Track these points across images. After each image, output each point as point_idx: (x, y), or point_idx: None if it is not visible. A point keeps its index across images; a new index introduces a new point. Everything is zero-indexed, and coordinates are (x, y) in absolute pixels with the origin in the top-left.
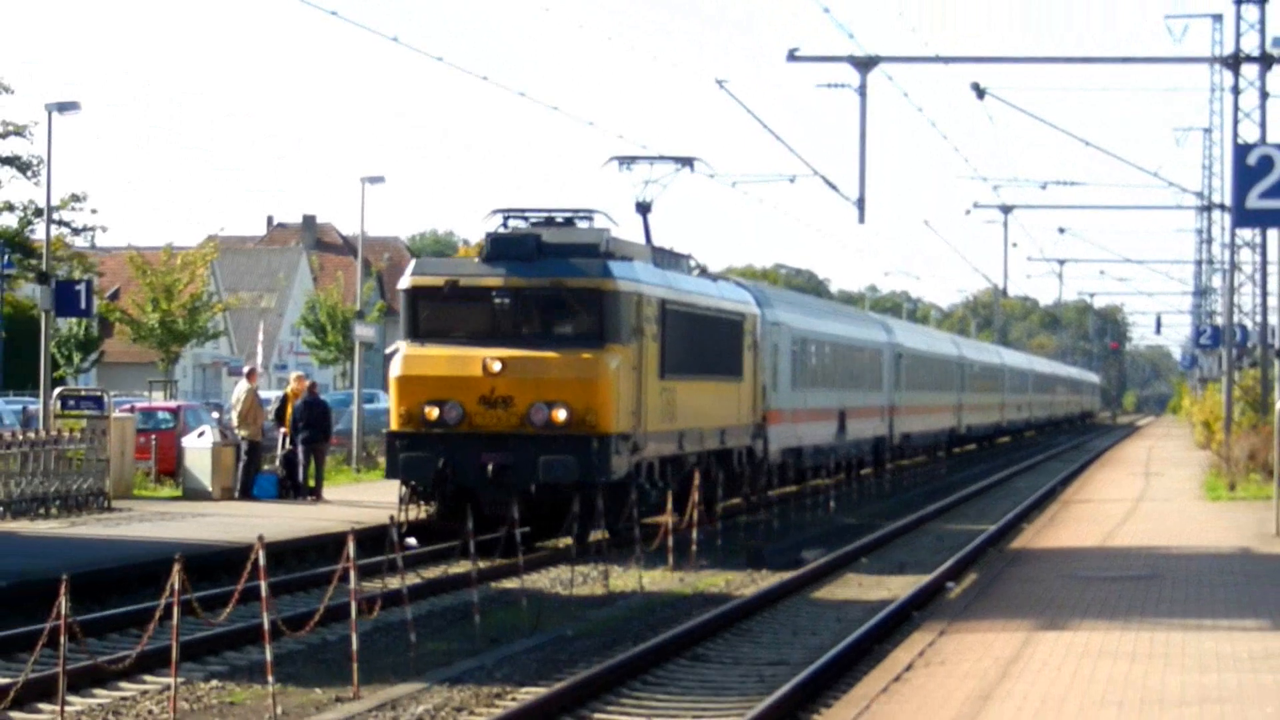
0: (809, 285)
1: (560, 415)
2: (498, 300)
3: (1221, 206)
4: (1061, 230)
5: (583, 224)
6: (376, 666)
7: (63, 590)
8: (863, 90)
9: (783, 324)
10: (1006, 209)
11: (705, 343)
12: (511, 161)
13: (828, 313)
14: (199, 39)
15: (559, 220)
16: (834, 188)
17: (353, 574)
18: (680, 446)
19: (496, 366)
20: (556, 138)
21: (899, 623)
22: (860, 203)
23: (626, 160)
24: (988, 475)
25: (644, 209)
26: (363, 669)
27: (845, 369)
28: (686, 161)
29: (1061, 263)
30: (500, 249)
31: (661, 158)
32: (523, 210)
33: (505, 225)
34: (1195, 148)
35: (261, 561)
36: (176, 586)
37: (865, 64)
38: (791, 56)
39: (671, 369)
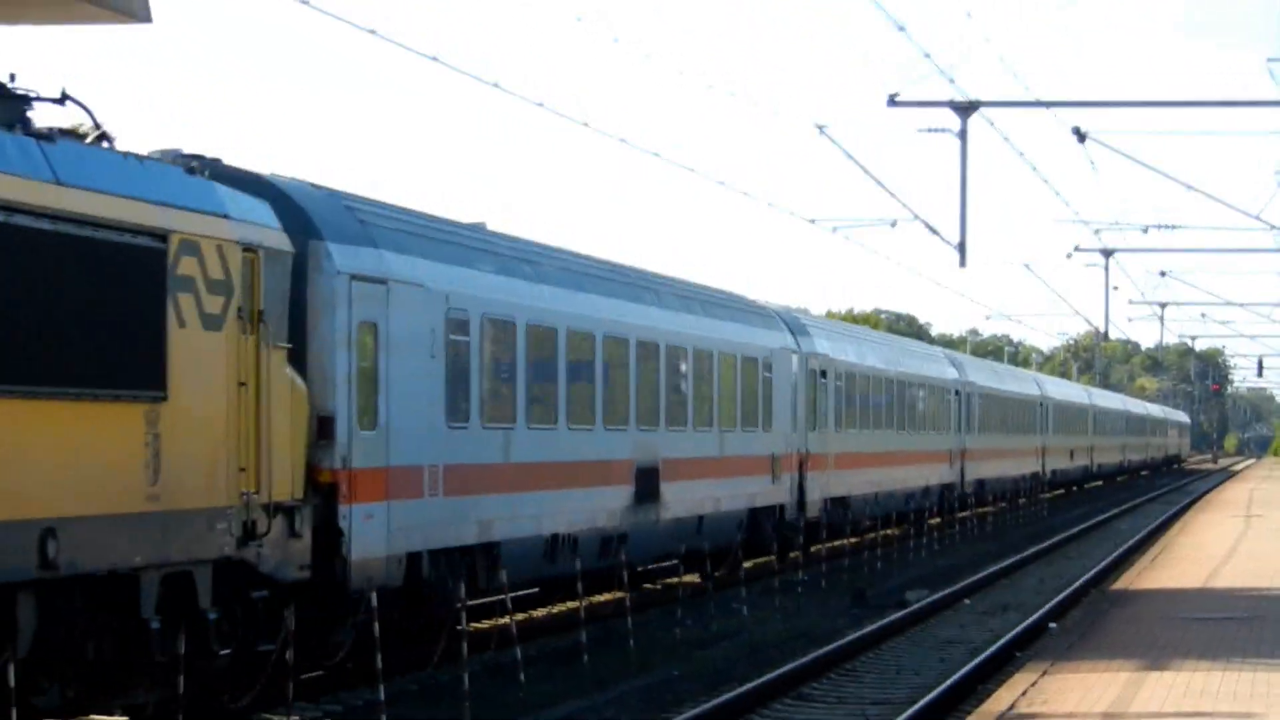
0: (909, 329)
1: None
2: None
3: None
4: (1163, 273)
5: None
6: (486, 707)
7: (182, 633)
8: (963, 135)
9: (399, 284)
10: (1108, 252)
11: None
12: (616, 206)
13: (607, 281)
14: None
15: None
16: (935, 232)
17: (464, 615)
18: None
19: None
20: (658, 184)
21: (1002, 663)
22: (961, 247)
23: None
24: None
25: None
26: (473, 709)
27: (668, 386)
28: None
29: (1163, 306)
30: None
31: None
32: None
33: None
34: None
35: (374, 603)
36: (292, 628)
37: (966, 109)
38: (892, 102)
39: None
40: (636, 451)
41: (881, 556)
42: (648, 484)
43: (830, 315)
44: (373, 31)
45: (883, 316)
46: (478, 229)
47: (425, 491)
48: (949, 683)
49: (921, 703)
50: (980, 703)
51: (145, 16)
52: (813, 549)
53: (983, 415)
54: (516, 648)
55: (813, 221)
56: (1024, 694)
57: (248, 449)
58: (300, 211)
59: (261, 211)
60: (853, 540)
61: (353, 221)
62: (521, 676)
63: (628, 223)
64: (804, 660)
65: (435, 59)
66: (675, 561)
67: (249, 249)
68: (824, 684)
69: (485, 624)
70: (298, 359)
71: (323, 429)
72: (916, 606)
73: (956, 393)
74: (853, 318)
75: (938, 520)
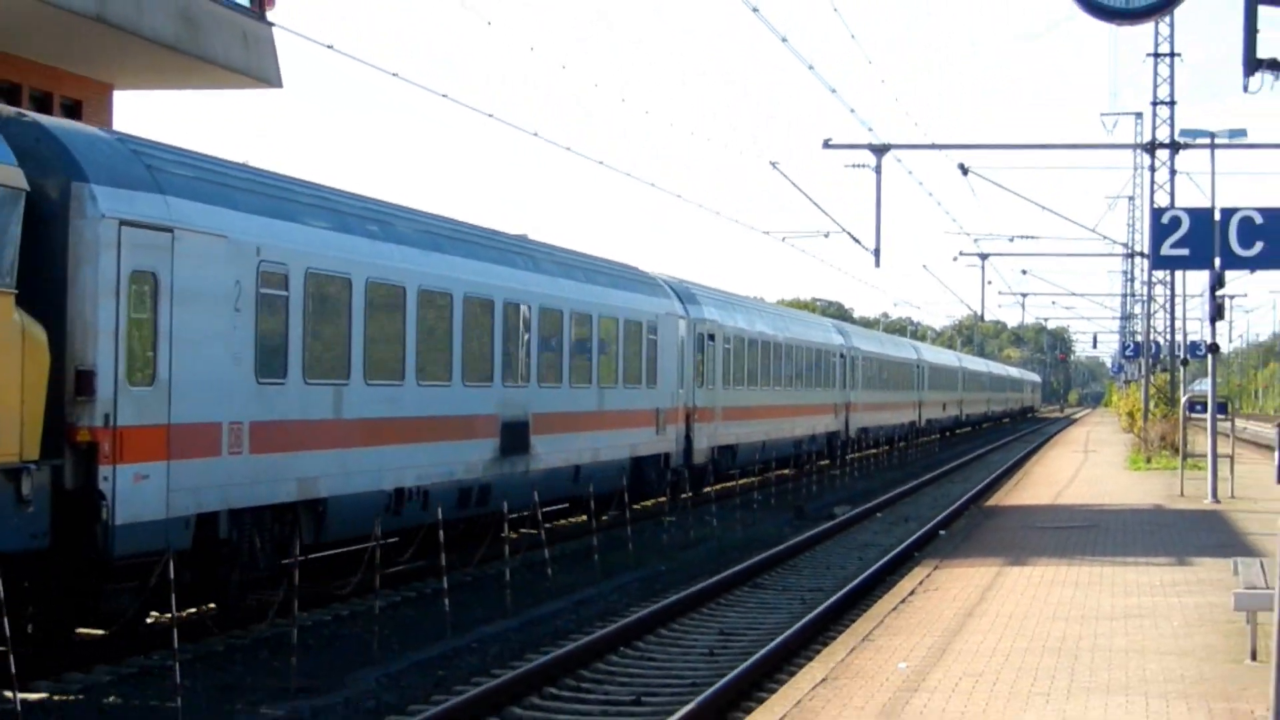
0: (838, 313)
1: None
2: None
3: (1141, 254)
4: (1024, 272)
5: None
6: (523, 593)
7: (296, 547)
8: (878, 169)
9: (190, 233)
10: (983, 256)
11: None
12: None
13: (473, 245)
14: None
15: None
16: (857, 241)
17: (505, 525)
18: None
19: None
20: (654, 206)
21: (905, 560)
22: (876, 252)
23: None
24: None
25: None
26: (514, 595)
27: (541, 345)
28: None
29: (1024, 295)
30: None
31: None
32: None
33: None
34: (1122, 211)
35: (440, 516)
36: (378, 533)
37: (880, 150)
38: (826, 145)
39: None
40: (502, 407)
41: (816, 482)
42: (516, 437)
43: (780, 302)
44: (445, 95)
45: (817, 303)
46: (521, 239)
47: (224, 449)
48: (866, 575)
49: (845, 589)
50: (889, 589)
51: (278, 82)
52: (705, 489)
53: (865, 374)
54: (545, 549)
55: (766, 233)
56: (921, 583)
57: None
58: (64, 151)
59: None
60: (744, 481)
61: (137, 166)
62: (549, 571)
63: (631, 231)
64: (757, 559)
65: (491, 115)
66: (565, 505)
67: None
68: (772, 576)
69: (522, 532)
70: (56, 309)
71: (80, 384)
72: (842, 518)
73: (842, 355)
74: (799, 304)
75: (826, 462)
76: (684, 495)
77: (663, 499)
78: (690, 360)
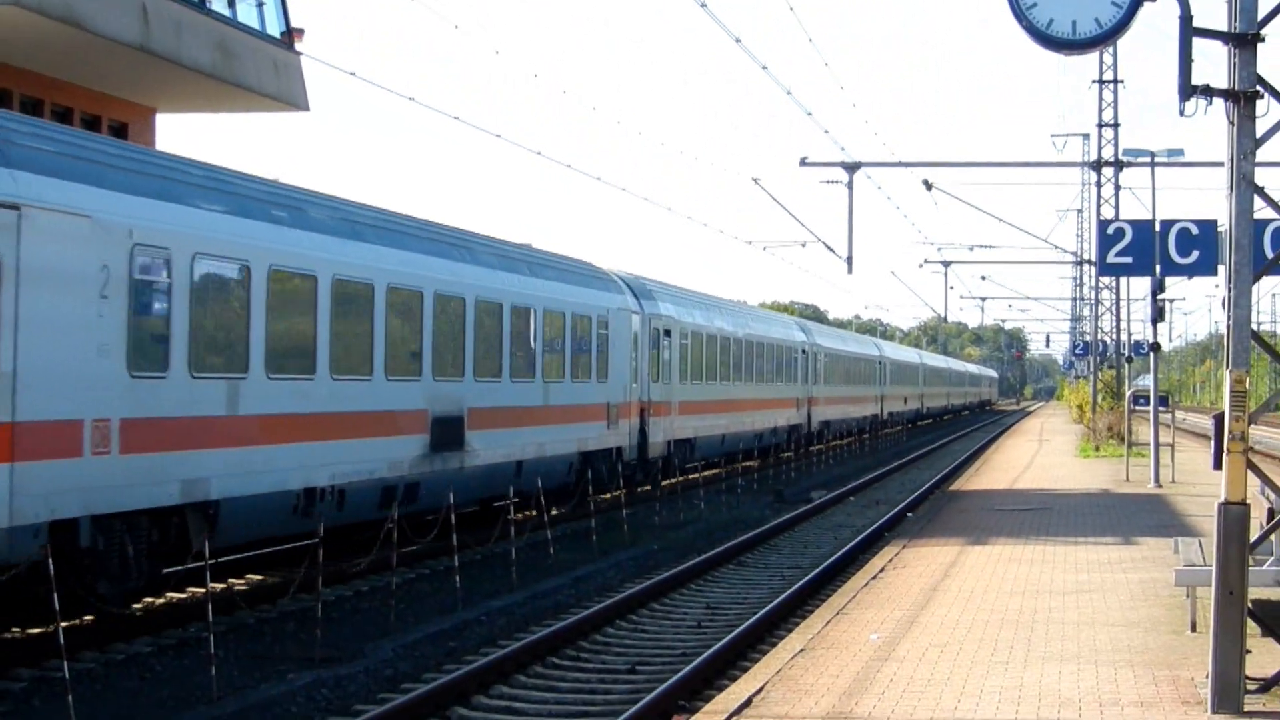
0: (814, 315)
1: None
2: None
3: (1089, 261)
4: (983, 278)
5: None
6: (528, 570)
7: (319, 535)
8: (850, 185)
9: (42, 211)
10: (946, 263)
11: None
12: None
13: (403, 236)
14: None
15: None
16: (831, 250)
17: (511, 508)
18: None
19: None
20: (647, 219)
21: (876, 540)
22: (849, 259)
23: None
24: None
25: None
26: (517, 572)
27: (479, 339)
28: None
29: (983, 299)
30: None
31: None
32: None
33: None
34: (1071, 222)
35: (452, 501)
36: (395, 515)
37: (852, 167)
38: (803, 162)
39: None
40: (433, 401)
41: (794, 468)
42: (448, 432)
43: (761, 305)
44: (456, 117)
45: (795, 306)
46: (525, 247)
47: (87, 449)
48: (840, 553)
49: (821, 566)
50: (862, 567)
51: (305, 106)
52: (665, 482)
53: (827, 370)
54: (547, 530)
55: (749, 242)
56: (890, 560)
57: None
58: None
59: None
60: (714, 471)
61: None
62: (551, 550)
63: (627, 240)
64: (742, 538)
65: (499, 136)
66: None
67: None
68: (755, 554)
69: (526, 514)
70: None
71: None
72: (818, 501)
73: (804, 352)
74: (778, 307)
75: (789, 454)
76: (641, 488)
77: (619, 492)
78: (645, 355)
